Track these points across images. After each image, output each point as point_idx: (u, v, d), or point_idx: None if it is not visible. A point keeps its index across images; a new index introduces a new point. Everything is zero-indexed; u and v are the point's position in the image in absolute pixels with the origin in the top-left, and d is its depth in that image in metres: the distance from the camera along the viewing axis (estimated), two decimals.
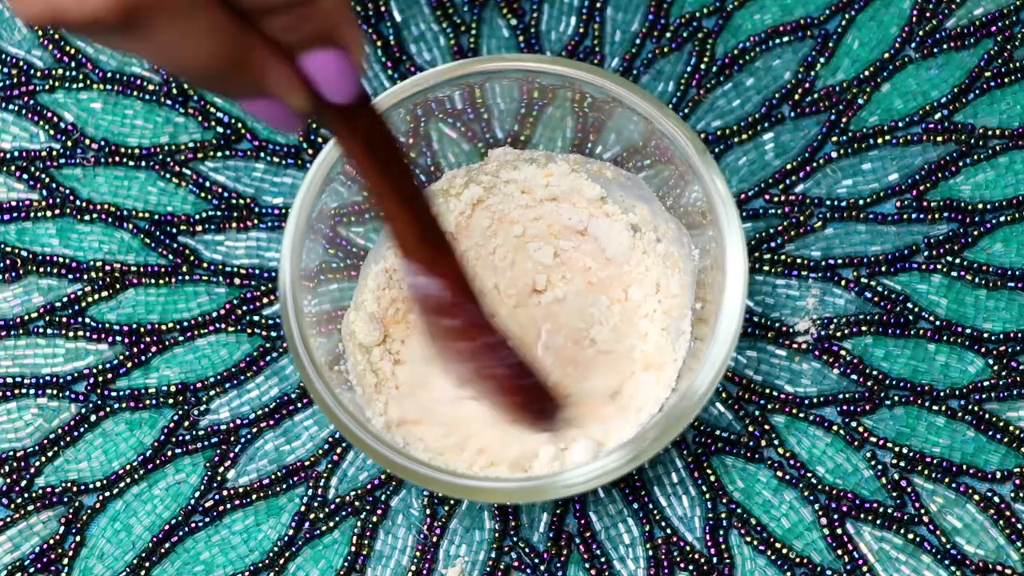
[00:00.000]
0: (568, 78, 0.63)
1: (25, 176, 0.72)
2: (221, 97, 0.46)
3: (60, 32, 0.73)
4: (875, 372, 0.69)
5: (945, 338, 0.69)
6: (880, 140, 0.71)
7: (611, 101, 0.64)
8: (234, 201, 0.72)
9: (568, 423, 0.62)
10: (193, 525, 0.69)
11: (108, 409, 0.70)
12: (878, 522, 0.67)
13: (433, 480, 0.59)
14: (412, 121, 0.66)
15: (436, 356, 0.59)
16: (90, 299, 0.71)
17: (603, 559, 0.68)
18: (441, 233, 0.54)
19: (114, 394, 0.70)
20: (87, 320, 0.71)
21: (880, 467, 0.68)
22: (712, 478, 0.68)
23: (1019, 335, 0.69)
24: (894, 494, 0.68)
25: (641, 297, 0.67)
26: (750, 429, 0.69)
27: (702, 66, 0.73)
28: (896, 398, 0.69)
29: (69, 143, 0.73)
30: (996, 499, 0.67)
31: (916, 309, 0.69)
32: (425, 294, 0.55)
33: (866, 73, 0.72)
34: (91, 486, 0.69)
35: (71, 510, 0.69)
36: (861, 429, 0.68)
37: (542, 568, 0.68)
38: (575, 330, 0.67)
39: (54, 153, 0.72)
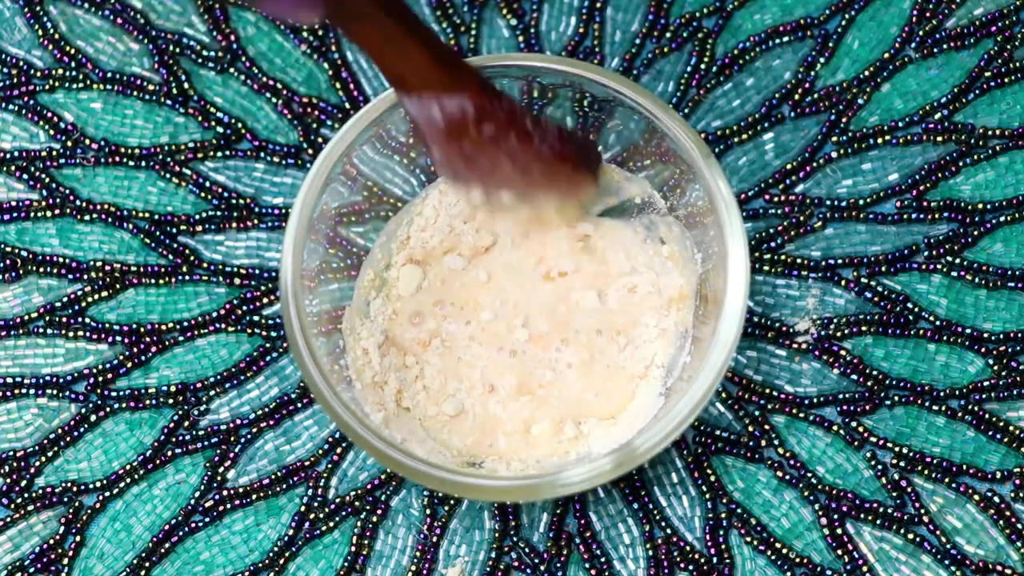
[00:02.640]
0: (568, 77, 0.63)
1: (25, 176, 0.72)
2: None
3: (60, 31, 0.73)
4: (875, 372, 0.69)
5: (945, 338, 0.69)
6: (880, 140, 0.71)
7: (612, 101, 0.64)
8: (234, 201, 0.72)
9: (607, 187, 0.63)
10: (193, 525, 0.68)
11: (108, 409, 0.70)
12: (878, 522, 0.67)
13: (433, 478, 0.59)
14: (412, 121, 0.66)
15: (478, 186, 0.59)
16: (90, 299, 0.71)
17: (603, 559, 0.68)
18: (450, 49, 0.56)
19: (114, 394, 0.70)
20: (87, 320, 0.71)
21: (880, 467, 0.68)
22: (712, 478, 0.68)
23: (1019, 335, 0.69)
24: (894, 494, 0.68)
25: (643, 298, 0.67)
26: (750, 429, 0.69)
27: (702, 66, 0.73)
28: (896, 398, 0.69)
29: (69, 143, 0.73)
30: (996, 499, 0.67)
31: (916, 309, 0.69)
32: (447, 117, 0.56)
33: (866, 73, 0.72)
34: (91, 486, 0.69)
35: (71, 510, 0.69)
36: (861, 429, 0.68)
37: (542, 568, 0.68)
38: (576, 331, 0.67)
39: (54, 153, 0.72)
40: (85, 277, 0.71)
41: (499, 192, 0.61)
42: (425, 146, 0.59)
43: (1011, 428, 0.68)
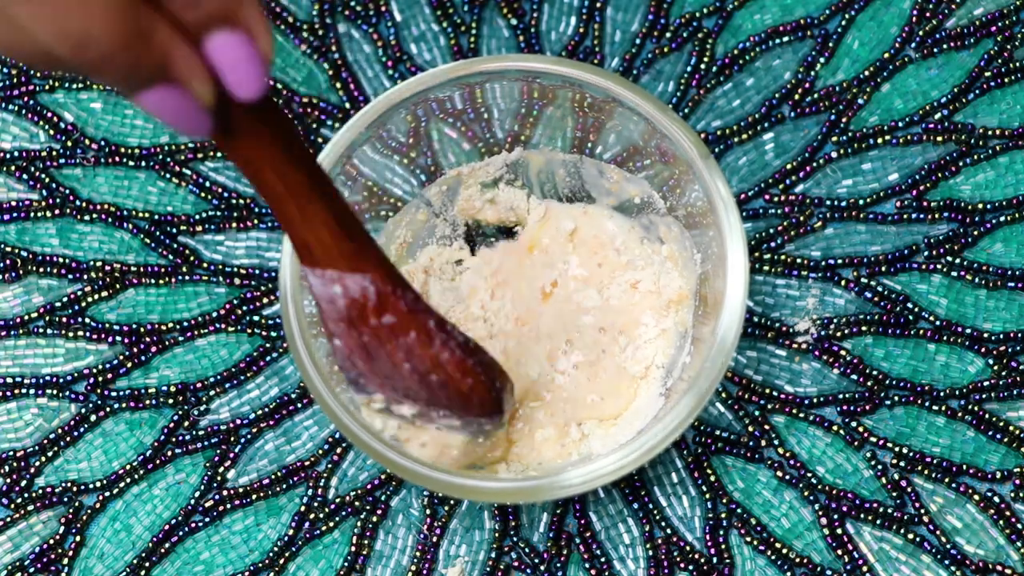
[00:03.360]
0: (568, 78, 0.63)
1: (25, 176, 0.72)
2: (113, 86, 0.42)
3: None
4: (875, 372, 0.69)
5: (945, 338, 0.69)
6: (880, 140, 0.71)
7: (611, 101, 0.64)
8: (234, 201, 0.72)
9: (510, 403, 0.59)
10: (193, 525, 0.69)
11: (108, 409, 0.70)
12: (878, 522, 0.67)
13: (432, 480, 0.59)
14: (412, 121, 0.66)
15: (373, 385, 0.55)
16: (90, 299, 0.71)
17: (603, 559, 0.68)
18: (360, 225, 0.51)
19: (114, 394, 0.70)
20: (87, 320, 0.71)
21: (880, 467, 0.68)
22: (712, 478, 0.68)
23: (1019, 335, 0.69)
24: (894, 494, 0.68)
25: (644, 296, 0.67)
26: (750, 429, 0.69)
27: (702, 66, 0.73)
28: (896, 398, 0.69)
29: (69, 143, 0.73)
30: (996, 499, 0.67)
31: (916, 309, 0.69)
32: (353, 297, 0.52)
33: (866, 73, 0.72)
34: (91, 486, 0.69)
35: (71, 510, 0.69)
36: (861, 429, 0.68)
37: (542, 568, 0.68)
38: (580, 332, 0.67)
39: (54, 153, 0.72)
40: (85, 277, 0.71)
41: (400, 402, 0.57)
42: (325, 332, 0.54)
43: (1011, 428, 0.68)
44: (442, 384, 0.55)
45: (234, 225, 0.72)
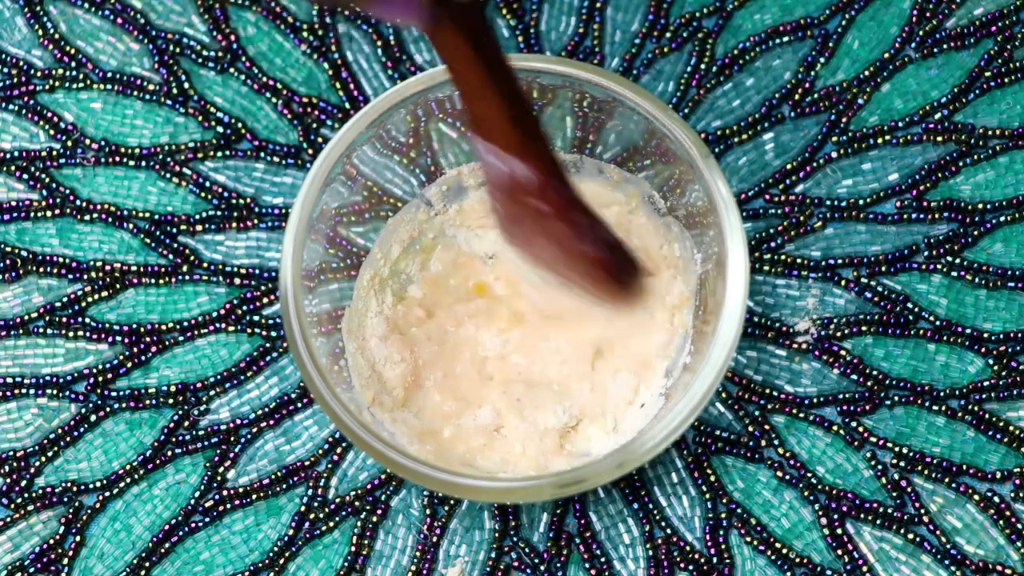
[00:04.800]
0: (568, 77, 0.63)
1: (25, 176, 0.72)
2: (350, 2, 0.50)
3: (60, 31, 0.73)
4: (875, 372, 0.69)
5: (945, 338, 0.69)
6: (880, 140, 0.71)
7: (612, 101, 0.64)
8: (234, 201, 0.72)
9: (648, 294, 0.63)
10: (193, 525, 0.69)
11: (108, 409, 0.70)
12: (878, 522, 0.67)
13: (432, 479, 0.59)
14: (412, 121, 0.66)
15: (520, 246, 0.59)
16: (90, 299, 0.71)
17: (603, 559, 0.68)
18: (534, 119, 0.55)
19: (114, 394, 0.70)
20: (87, 320, 0.71)
21: (880, 467, 0.68)
22: (712, 478, 0.68)
23: (1019, 335, 0.69)
24: (894, 494, 0.68)
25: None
26: (750, 429, 0.69)
27: (702, 66, 0.73)
28: (896, 398, 0.69)
29: (69, 143, 0.73)
30: (996, 499, 0.67)
31: (916, 309, 0.69)
32: (513, 177, 0.56)
33: (866, 73, 0.72)
34: (91, 486, 0.69)
35: (71, 510, 0.69)
36: (861, 429, 0.68)
37: (542, 568, 0.68)
38: (582, 330, 0.67)
39: (54, 153, 0.72)
40: (85, 277, 0.71)
41: (542, 268, 0.60)
42: (490, 196, 0.58)
43: (1011, 428, 0.68)
44: (581, 270, 0.59)
45: (234, 225, 0.72)
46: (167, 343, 0.71)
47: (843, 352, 0.69)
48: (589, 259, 0.58)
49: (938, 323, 0.69)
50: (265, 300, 0.71)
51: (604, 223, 0.58)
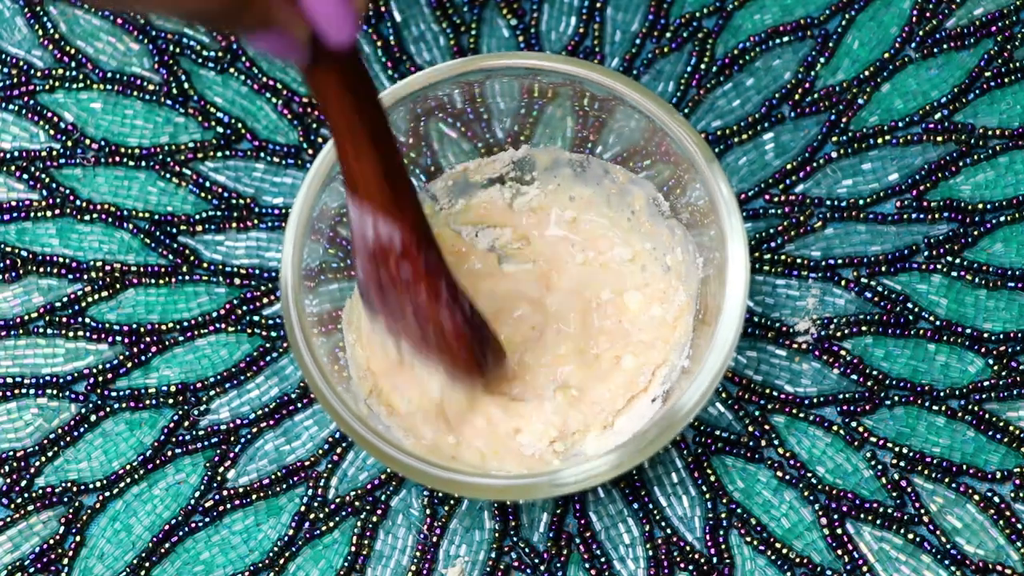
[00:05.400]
0: (569, 76, 0.63)
1: (25, 176, 0.72)
2: (225, 32, 0.48)
3: (60, 31, 0.73)
4: (875, 372, 0.69)
5: (945, 338, 0.69)
6: (880, 140, 0.71)
7: (613, 99, 0.64)
8: (234, 201, 0.72)
9: (503, 376, 0.63)
10: (193, 525, 0.68)
11: (108, 409, 0.70)
12: (878, 522, 0.67)
13: (432, 476, 0.59)
14: (412, 121, 0.66)
15: (378, 312, 0.58)
16: (90, 299, 0.71)
17: (603, 559, 0.68)
18: (406, 178, 0.54)
19: (114, 394, 0.70)
20: (87, 320, 0.71)
21: (880, 467, 0.68)
22: (712, 478, 0.68)
23: (1019, 335, 0.69)
24: (894, 494, 0.68)
25: (645, 299, 0.67)
26: (750, 429, 0.69)
27: (702, 66, 0.73)
28: (896, 398, 0.69)
29: (69, 143, 0.73)
30: (996, 499, 0.67)
31: (916, 309, 0.69)
32: (380, 239, 0.55)
33: (866, 73, 0.72)
34: (91, 486, 0.69)
35: (71, 510, 0.69)
36: (861, 429, 0.68)
37: (542, 568, 0.68)
38: (581, 331, 0.67)
39: (54, 153, 0.72)
40: (85, 277, 0.71)
41: (397, 337, 0.60)
42: (353, 257, 0.58)
43: (1011, 428, 0.68)
44: (436, 342, 0.59)
45: (234, 225, 0.72)
46: (167, 343, 0.71)
47: (843, 352, 0.69)
48: (446, 332, 0.58)
49: (938, 323, 0.69)
50: (265, 300, 0.71)
51: (465, 295, 0.58)
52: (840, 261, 0.70)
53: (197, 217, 0.72)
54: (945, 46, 0.72)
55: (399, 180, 0.54)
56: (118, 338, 0.70)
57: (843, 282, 0.70)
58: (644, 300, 0.67)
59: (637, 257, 0.68)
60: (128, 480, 0.69)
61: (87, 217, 0.72)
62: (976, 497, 0.67)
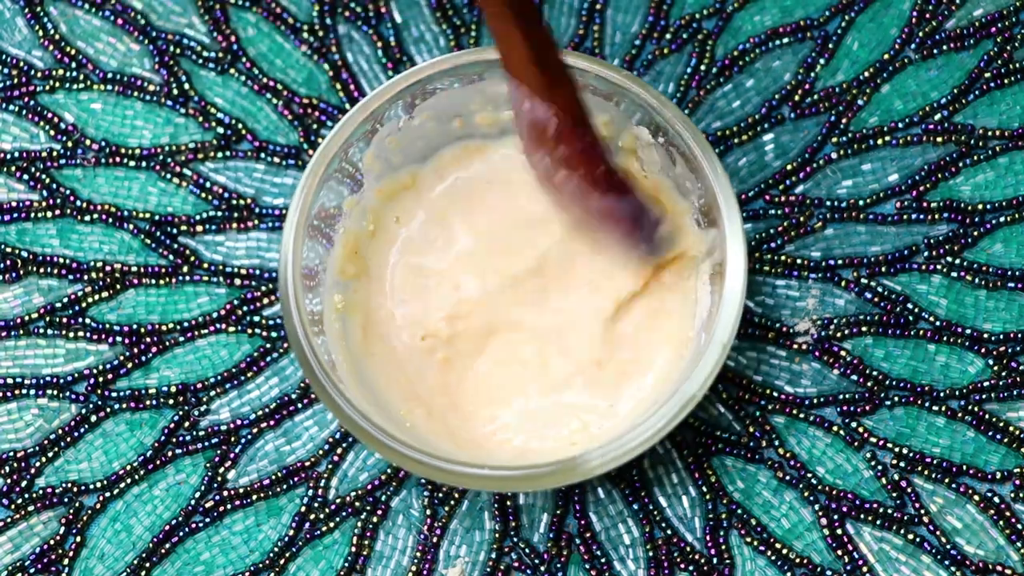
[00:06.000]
0: (570, 67, 0.63)
1: (25, 176, 0.72)
2: None
3: (60, 32, 0.73)
4: (875, 372, 0.69)
5: (945, 338, 0.69)
6: (880, 141, 0.72)
7: (615, 94, 0.64)
8: (234, 202, 0.72)
9: (668, 243, 0.64)
10: (193, 525, 0.69)
11: (108, 410, 0.70)
12: (878, 522, 0.67)
13: (436, 469, 0.59)
14: (410, 112, 0.66)
15: (550, 191, 0.61)
16: (90, 299, 0.71)
17: (603, 560, 0.68)
18: (561, 63, 0.57)
19: (114, 395, 0.70)
20: (87, 321, 0.71)
21: (880, 467, 0.68)
22: (712, 478, 0.68)
23: (1019, 335, 0.69)
24: (894, 494, 0.68)
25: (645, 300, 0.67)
26: (750, 429, 0.69)
27: (702, 67, 0.73)
28: (896, 398, 0.69)
29: (69, 144, 0.73)
30: (996, 499, 0.67)
31: (916, 309, 0.69)
32: (535, 119, 0.57)
33: (866, 74, 0.72)
34: (91, 486, 0.69)
35: (71, 510, 0.69)
36: (861, 429, 0.68)
37: (542, 568, 0.68)
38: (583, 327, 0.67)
39: (54, 154, 0.72)
40: (85, 278, 0.71)
41: (569, 213, 0.63)
42: (521, 141, 0.60)
43: (1011, 428, 0.68)
44: (593, 219, 0.61)
45: (234, 226, 0.72)
46: (167, 344, 0.71)
47: (843, 352, 0.69)
48: (604, 207, 0.60)
49: (938, 323, 0.69)
50: (265, 300, 0.71)
51: (624, 175, 0.60)
52: (840, 262, 0.70)
53: (197, 218, 0.72)
54: (945, 47, 0.72)
55: (550, 64, 0.56)
56: (118, 339, 0.70)
57: (843, 282, 0.70)
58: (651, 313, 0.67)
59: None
60: (128, 480, 0.69)
61: (87, 218, 0.72)
62: (976, 497, 0.67)
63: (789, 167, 0.72)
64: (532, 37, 0.56)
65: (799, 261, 0.70)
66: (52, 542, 0.68)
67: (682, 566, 0.68)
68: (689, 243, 0.65)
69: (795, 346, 0.70)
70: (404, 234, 0.67)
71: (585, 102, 0.58)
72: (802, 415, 0.69)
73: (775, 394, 0.69)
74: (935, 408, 0.69)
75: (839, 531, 0.67)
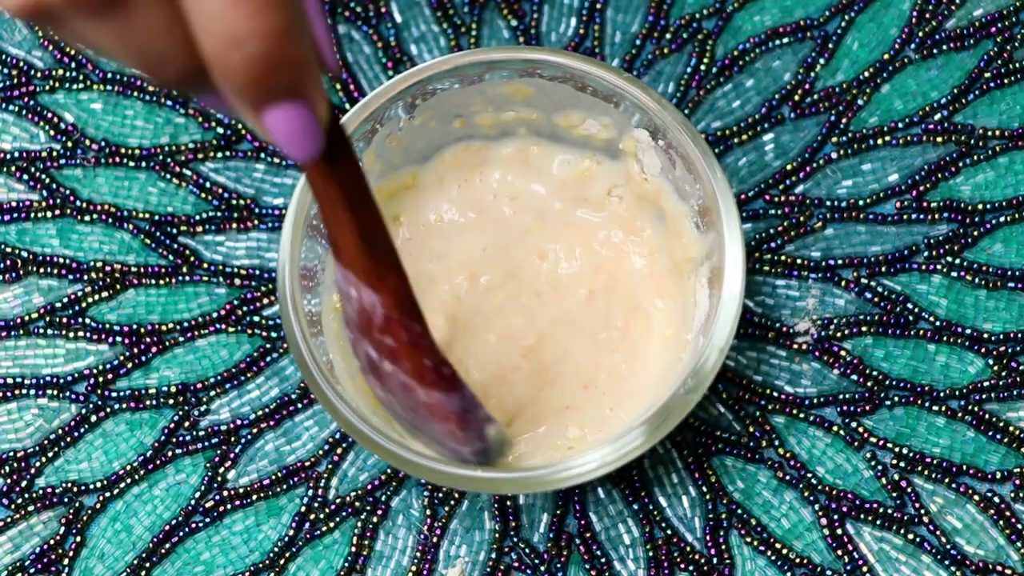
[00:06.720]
0: (570, 69, 0.63)
1: (25, 176, 0.72)
2: (188, 95, 0.46)
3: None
4: (875, 372, 0.69)
5: (945, 338, 0.69)
6: (880, 141, 0.72)
7: (613, 95, 0.64)
8: (234, 202, 0.72)
9: (500, 446, 0.61)
10: (193, 525, 0.69)
11: (108, 409, 0.70)
12: (878, 522, 0.67)
13: (437, 472, 0.59)
14: (409, 114, 0.66)
15: (369, 369, 0.57)
16: (90, 299, 0.71)
17: (603, 560, 0.68)
18: (390, 246, 0.52)
19: (114, 394, 0.70)
20: (87, 320, 0.71)
21: (880, 467, 0.68)
22: (712, 478, 0.68)
23: (1019, 335, 0.69)
24: (894, 494, 0.68)
25: (646, 300, 0.67)
26: (750, 429, 0.69)
27: (702, 67, 0.73)
28: (896, 398, 0.69)
29: (69, 144, 0.73)
30: (996, 499, 0.67)
31: (916, 309, 0.69)
32: (363, 307, 0.53)
33: (866, 74, 0.72)
34: (91, 486, 0.69)
35: (71, 510, 0.69)
36: (861, 429, 0.68)
37: (542, 568, 0.68)
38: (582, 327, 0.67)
39: (54, 154, 0.73)
40: (85, 277, 0.71)
41: (395, 413, 0.60)
42: (343, 311, 0.57)
43: (1011, 428, 0.68)
44: (424, 415, 0.57)
45: (234, 226, 0.72)
46: (167, 343, 0.71)
47: (843, 352, 0.69)
48: (434, 406, 0.57)
49: (938, 323, 0.69)
50: (265, 301, 0.71)
51: (454, 371, 0.56)
52: (840, 261, 0.70)
53: (197, 218, 0.72)
54: (945, 47, 0.72)
55: (380, 251, 0.52)
56: (118, 339, 0.70)
57: (843, 282, 0.70)
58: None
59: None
60: (128, 480, 0.69)
61: (87, 218, 0.72)
62: (976, 497, 0.67)
63: (789, 167, 0.72)
64: (362, 222, 0.50)
65: (799, 261, 0.70)
66: (52, 542, 0.68)
67: (682, 566, 0.68)
68: (688, 245, 0.65)
69: (795, 346, 0.70)
70: (404, 235, 0.67)
71: (412, 292, 0.54)
72: (802, 415, 0.69)
73: (775, 394, 0.69)
74: (935, 408, 0.69)
75: (839, 531, 0.67)
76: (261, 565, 0.68)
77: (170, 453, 0.69)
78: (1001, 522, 0.67)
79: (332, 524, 0.68)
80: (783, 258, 0.71)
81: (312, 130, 0.44)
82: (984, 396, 0.68)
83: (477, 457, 0.60)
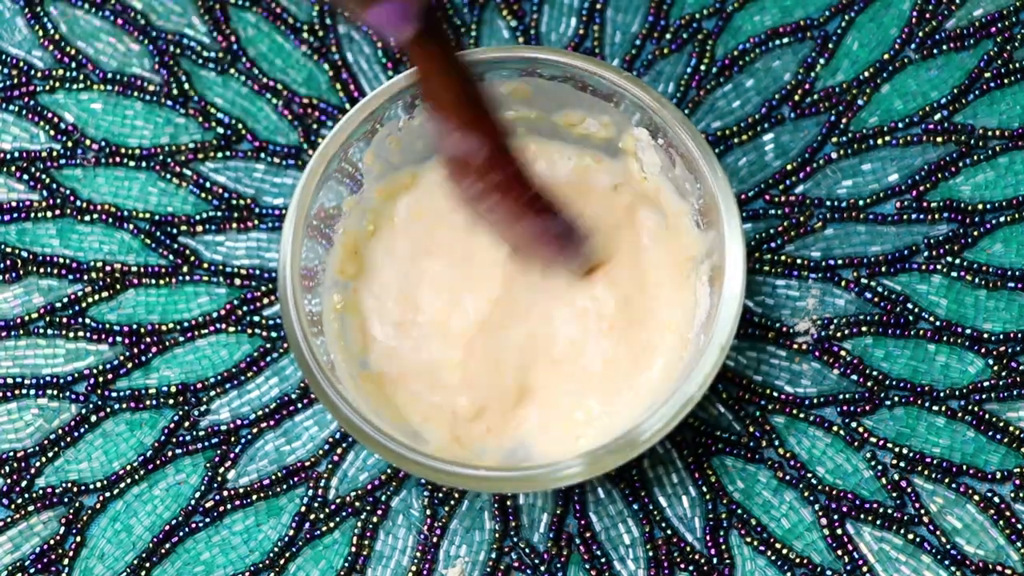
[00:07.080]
0: (569, 68, 0.63)
1: (25, 176, 0.72)
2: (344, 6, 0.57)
3: (60, 32, 0.73)
4: (875, 372, 0.69)
5: (945, 338, 0.69)
6: (880, 141, 0.72)
7: (614, 95, 0.64)
8: (234, 202, 0.72)
9: (594, 257, 0.65)
10: (193, 525, 0.69)
11: (108, 409, 0.70)
12: (878, 522, 0.67)
13: (437, 471, 0.59)
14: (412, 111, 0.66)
15: (474, 219, 0.63)
16: (90, 299, 0.71)
17: (603, 560, 0.68)
18: (483, 95, 0.58)
19: (114, 394, 0.70)
20: (87, 320, 0.71)
21: (880, 467, 0.68)
22: (712, 478, 0.68)
23: (1019, 335, 0.69)
24: (894, 494, 0.68)
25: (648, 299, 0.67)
26: (750, 429, 0.69)
27: (702, 67, 0.73)
28: (896, 398, 0.69)
29: (69, 143, 0.73)
30: (996, 499, 0.67)
31: (916, 309, 0.69)
32: (461, 150, 0.59)
33: (866, 74, 0.72)
34: (91, 486, 0.69)
35: (71, 510, 0.69)
36: (861, 429, 0.68)
37: (542, 568, 0.68)
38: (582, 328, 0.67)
39: (54, 154, 0.73)
40: (85, 277, 0.71)
41: (505, 241, 0.64)
42: (447, 176, 0.61)
43: (1011, 428, 0.68)
44: (529, 242, 0.64)
45: (234, 226, 0.72)
46: (167, 343, 0.71)
47: (843, 352, 0.69)
48: (536, 229, 0.62)
49: (938, 323, 0.69)
50: (265, 300, 0.71)
51: (551, 200, 0.62)
52: (840, 261, 0.70)
53: (197, 218, 0.72)
54: (945, 47, 0.72)
55: (475, 97, 0.58)
56: (118, 338, 0.70)
57: (843, 282, 0.70)
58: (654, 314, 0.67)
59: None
60: (128, 480, 0.69)
61: (87, 218, 0.72)
62: (976, 497, 0.67)
63: (789, 167, 0.72)
64: (456, 74, 0.58)
65: (799, 261, 0.70)
66: (52, 542, 0.68)
67: (682, 566, 0.68)
68: (688, 244, 0.65)
69: (795, 346, 0.70)
70: (404, 235, 0.67)
71: (508, 134, 0.60)
72: (802, 415, 0.69)
73: (775, 394, 0.69)
74: (935, 408, 0.69)
75: (839, 531, 0.67)
76: (261, 565, 0.68)
77: (170, 453, 0.69)
78: (1001, 522, 0.67)
79: (332, 524, 0.68)
80: (783, 258, 0.71)
81: (411, 13, 0.53)
82: (984, 396, 0.68)
83: (579, 266, 0.65)
